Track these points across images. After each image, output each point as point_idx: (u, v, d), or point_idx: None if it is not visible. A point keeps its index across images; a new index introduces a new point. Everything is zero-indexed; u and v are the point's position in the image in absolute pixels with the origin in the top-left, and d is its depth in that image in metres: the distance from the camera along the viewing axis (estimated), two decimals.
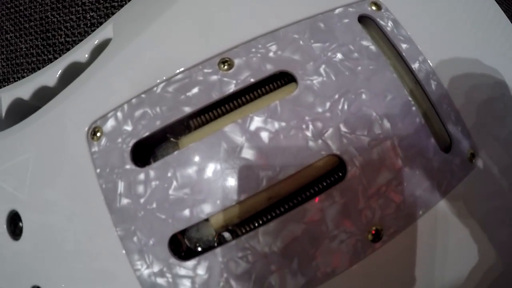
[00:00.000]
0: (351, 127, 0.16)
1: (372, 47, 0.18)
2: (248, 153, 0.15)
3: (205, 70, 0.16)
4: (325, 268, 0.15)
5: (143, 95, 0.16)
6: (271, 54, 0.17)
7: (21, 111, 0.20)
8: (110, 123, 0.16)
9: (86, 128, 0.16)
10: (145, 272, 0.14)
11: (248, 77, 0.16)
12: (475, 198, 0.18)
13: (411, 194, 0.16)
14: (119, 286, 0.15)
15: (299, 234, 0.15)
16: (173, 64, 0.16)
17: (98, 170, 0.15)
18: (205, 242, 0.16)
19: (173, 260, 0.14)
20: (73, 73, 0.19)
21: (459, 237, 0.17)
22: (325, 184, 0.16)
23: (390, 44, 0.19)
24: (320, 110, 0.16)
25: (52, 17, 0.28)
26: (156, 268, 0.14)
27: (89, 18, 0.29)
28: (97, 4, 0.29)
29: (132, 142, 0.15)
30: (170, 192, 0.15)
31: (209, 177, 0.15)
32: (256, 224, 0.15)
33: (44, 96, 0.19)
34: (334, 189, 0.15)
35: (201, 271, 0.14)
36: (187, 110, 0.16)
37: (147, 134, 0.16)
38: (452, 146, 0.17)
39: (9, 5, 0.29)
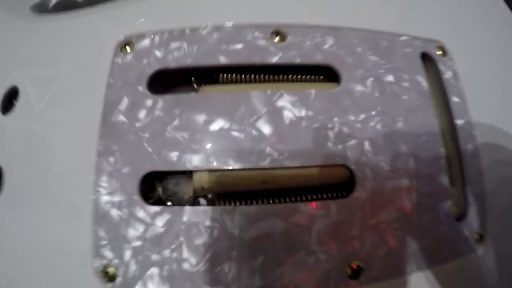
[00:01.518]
0: (376, 148, 0.13)
1: (425, 85, 0.15)
2: (263, 125, 0.12)
3: (256, 33, 0.14)
4: (288, 281, 0.11)
5: (187, 30, 0.14)
6: (326, 46, 0.14)
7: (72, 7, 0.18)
8: (144, 43, 0.14)
9: (121, 38, 0.14)
10: (104, 198, 0.12)
11: (295, 57, 0.13)
12: (466, 282, 0.14)
13: (407, 246, 0.13)
14: (72, 202, 0.12)
15: (278, 231, 0.11)
16: (229, 15, 0.14)
17: (111, 80, 0.13)
18: (179, 199, 0.13)
19: (137, 197, 0.11)
20: None
21: None
22: (326, 196, 0.13)
23: (442, 91, 0.16)
24: (352, 117, 0.13)
25: None
26: (116, 198, 0.11)
27: None
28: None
29: (156, 67, 0.13)
30: (169, 129, 0.12)
31: (213, 130, 0.12)
32: (238, 202, 0.12)
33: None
34: (334, 202, 0.12)
35: (159, 222, 0.11)
36: (222, 60, 0.13)
37: (173, 66, 0.13)
38: (464, 219, 0.14)
39: None
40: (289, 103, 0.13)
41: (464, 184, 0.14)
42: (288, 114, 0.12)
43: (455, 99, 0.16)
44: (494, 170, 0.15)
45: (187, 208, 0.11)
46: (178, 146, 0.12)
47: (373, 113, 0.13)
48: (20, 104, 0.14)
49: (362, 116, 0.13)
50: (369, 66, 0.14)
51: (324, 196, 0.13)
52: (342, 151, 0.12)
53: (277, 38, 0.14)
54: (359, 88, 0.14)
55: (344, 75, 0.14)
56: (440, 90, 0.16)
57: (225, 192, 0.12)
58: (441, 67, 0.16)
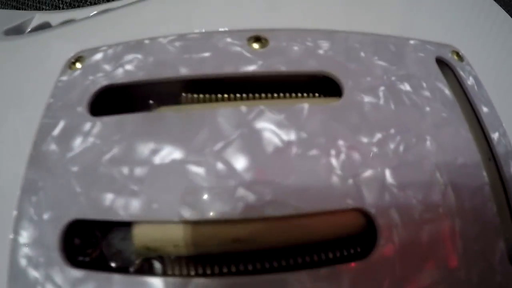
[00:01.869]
0: (403, 179, 0.09)
1: (448, 93, 0.11)
2: (233, 156, 0.08)
3: (229, 39, 0.11)
4: None
5: (146, 41, 0.11)
6: (320, 51, 0.11)
7: None
8: (96, 57, 0.11)
9: (72, 54, 0.11)
10: (21, 250, 0.08)
11: (279, 64, 0.10)
12: None
13: None
14: None
15: None
16: (195, 23, 0.11)
17: (51, 100, 0.10)
18: (125, 260, 0.09)
19: (57, 255, 0.08)
20: None
21: None
22: (334, 256, 0.08)
23: (468, 101, 0.12)
24: (364, 139, 0.09)
25: None
26: (34, 253, 0.08)
27: None
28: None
29: (101, 84, 0.10)
30: (104, 161, 0.08)
31: (161, 164, 0.08)
32: (194, 272, 0.08)
33: None
34: (344, 267, 0.08)
35: None
36: (183, 72, 0.10)
37: (122, 81, 0.10)
38: None
39: None
40: (272, 123, 0.09)
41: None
42: (271, 138, 0.08)
43: (484, 109, 0.12)
44: None
45: (118, 277, 0.07)
46: (113, 185, 0.08)
47: (392, 131, 0.09)
48: None
49: (378, 135, 0.09)
50: (378, 73, 0.11)
51: (331, 256, 0.08)
52: (354, 188, 0.08)
53: (256, 45, 0.11)
54: (368, 99, 0.10)
55: (347, 85, 0.10)
56: (465, 99, 0.12)
57: (182, 254, 0.08)
58: (462, 74, 0.13)
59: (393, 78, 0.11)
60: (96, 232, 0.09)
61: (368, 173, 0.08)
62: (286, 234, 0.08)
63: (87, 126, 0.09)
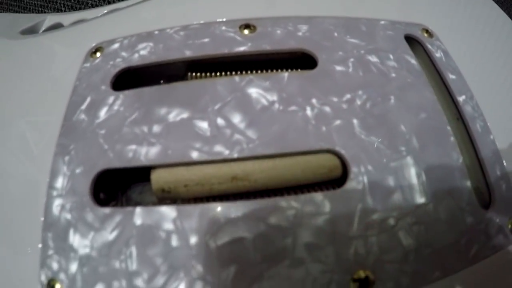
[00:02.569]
0: (369, 128, 0.11)
1: (415, 63, 0.13)
2: (229, 112, 0.10)
3: (224, 27, 0.13)
4: None
5: (156, 32, 0.13)
6: (299, 33, 0.13)
7: None
8: (113, 47, 0.13)
9: (93, 45, 0.13)
10: (56, 201, 0.10)
11: (265, 44, 0.12)
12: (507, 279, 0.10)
13: (428, 245, 0.10)
14: (24, 205, 0.10)
15: (253, 236, 0.09)
16: (196, 15, 0.14)
17: (77, 83, 0.12)
18: None
19: (87, 198, 0.10)
20: None
21: None
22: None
23: (436, 71, 0.14)
24: (335, 98, 0.11)
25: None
26: (67, 200, 0.10)
27: None
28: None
29: (121, 67, 0.12)
30: (127, 123, 0.11)
31: (173, 121, 0.10)
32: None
33: None
34: (324, 194, 0.10)
35: (109, 226, 0.09)
36: (188, 54, 0.12)
37: (138, 64, 0.12)
38: (492, 205, 0.11)
39: None
40: (259, 88, 0.11)
41: (481, 165, 0.12)
42: (258, 99, 0.11)
43: (450, 76, 0.14)
44: (510, 145, 0.12)
45: (140, 209, 0.09)
46: (135, 140, 0.10)
47: (360, 92, 0.12)
48: None
49: (347, 96, 0.11)
50: (349, 48, 0.13)
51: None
52: (327, 133, 0.10)
53: (246, 31, 0.13)
54: (339, 68, 0.12)
55: (321, 58, 0.12)
56: (433, 69, 0.14)
57: (191, 195, 0.10)
58: (429, 47, 0.15)
59: (362, 52, 0.13)
60: (118, 192, 0.11)
61: (338, 122, 0.10)
62: (274, 170, 0.10)
63: (111, 98, 0.11)
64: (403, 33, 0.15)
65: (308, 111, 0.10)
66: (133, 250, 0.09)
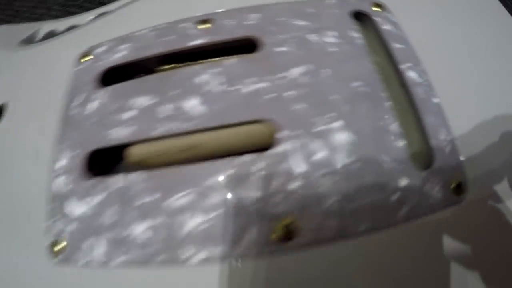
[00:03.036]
0: (300, 99, 0.13)
1: (357, 36, 0.15)
2: (186, 96, 0.13)
3: (185, 24, 0.16)
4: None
5: (133, 34, 0.16)
6: (250, 22, 0.15)
7: None
8: (99, 50, 0.16)
9: (83, 50, 0.16)
10: (57, 179, 0.13)
11: (219, 36, 0.15)
12: (446, 242, 0.12)
13: (352, 199, 0.11)
14: (30, 185, 0.13)
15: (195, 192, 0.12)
16: (164, 16, 0.16)
17: (71, 83, 0.16)
18: None
19: (80, 174, 0.13)
20: None
21: None
22: None
23: (381, 40, 0.15)
24: (271, 76, 0.13)
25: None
26: (65, 178, 0.13)
27: None
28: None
29: (105, 67, 0.15)
30: (108, 112, 0.14)
31: (143, 107, 0.13)
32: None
33: None
34: (255, 156, 0.12)
35: (96, 192, 0.12)
36: (156, 50, 0.15)
37: (119, 63, 0.15)
38: (432, 167, 0.12)
39: None
40: (209, 74, 0.13)
41: (422, 128, 0.13)
42: (208, 82, 0.13)
43: (397, 45, 0.15)
44: (459, 110, 0.14)
45: (119, 176, 0.12)
46: (114, 125, 0.13)
47: (296, 69, 0.14)
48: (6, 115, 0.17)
49: (284, 73, 0.13)
50: (293, 30, 0.15)
51: None
52: (261, 106, 0.12)
53: (204, 25, 0.15)
54: (280, 49, 0.14)
55: (265, 41, 0.14)
56: (380, 44, 0.16)
57: (160, 164, 0.13)
58: (377, 20, 0.16)
59: (305, 32, 0.15)
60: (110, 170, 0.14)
61: (271, 95, 0.13)
62: (220, 139, 0.12)
63: (97, 94, 0.15)
64: (350, 9, 0.16)
65: (248, 88, 0.13)
66: (116, 207, 0.12)
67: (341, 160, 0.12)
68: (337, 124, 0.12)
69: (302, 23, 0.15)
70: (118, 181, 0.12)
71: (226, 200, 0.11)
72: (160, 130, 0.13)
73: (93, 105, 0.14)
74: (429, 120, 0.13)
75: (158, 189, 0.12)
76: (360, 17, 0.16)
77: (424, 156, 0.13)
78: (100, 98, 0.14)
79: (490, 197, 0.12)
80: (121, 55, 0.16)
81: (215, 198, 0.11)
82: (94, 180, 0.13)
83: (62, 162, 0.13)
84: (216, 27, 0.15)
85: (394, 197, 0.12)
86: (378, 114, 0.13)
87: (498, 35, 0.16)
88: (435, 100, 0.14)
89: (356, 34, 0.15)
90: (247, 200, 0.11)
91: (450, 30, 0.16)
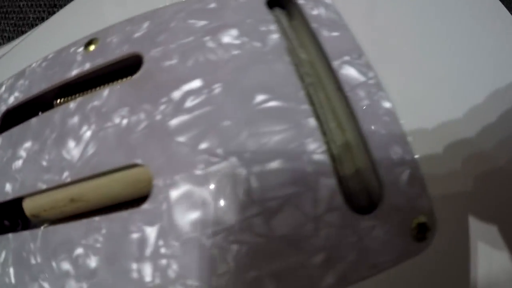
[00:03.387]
0: (182, 132, 0.10)
1: (273, 34, 0.11)
2: (61, 141, 0.11)
3: (72, 49, 0.13)
4: None
5: (26, 69, 0.15)
6: (136, 34, 0.12)
7: None
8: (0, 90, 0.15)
9: None
10: None
11: (101, 59, 0.12)
12: None
13: (251, 268, 0.08)
14: None
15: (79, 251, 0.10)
16: (53, 45, 0.14)
17: None
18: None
19: None
20: None
21: None
22: None
23: (308, 30, 0.12)
24: (148, 105, 0.10)
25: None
26: None
27: None
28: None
29: (2, 109, 0.14)
30: (4, 162, 0.12)
31: (28, 156, 0.12)
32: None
33: None
34: (129, 212, 0.09)
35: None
36: (44, 86, 0.13)
37: (14, 105, 0.14)
38: (381, 204, 0.09)
39: None
40: (83, 113, 0.11)
41: (365, 149, 0.09)
42: (83, 122, 0.11)
43: (332, 34, 0.11)
44: (423, 117, 0.10)
45: (11, 235, 0.11)
46: (6, 177, 0.12)
47: (184, 87, 0.11)
48: None
49: (166, 97, 0.11)
50: (187, 35, 0.12)
51: None
52: (134, 146, 0.10)
53: (91, 47, 0.13)
54: (167, 64, 0.11)
55: (149, 57, 0.12)
56: (307, 30, 0.12)
57: (56, 217, 0.12)
58: (303, 2, 0.12)
59: (201, 35, 0.12)
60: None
61: (145, 131, 0.10)
62: (102, 191, 0.11)
63: None
64: None
65: (121, 125, 0.10)
66: (11, 270, 0.11)
67: (233, 217, 0.09)
68: (231, 162, 0.09)
69: (198, 24, 0.12)
70: (11, 239, 0.11)
71: (103, 264, 0.10)
72: (42, 182, 0.11)
73: None
74: (375, 137, 0.09)
75: (45, 250, 0.11)
76: (286, 3, 0.13)
77: (367, 193, 0.09)
78: None
79: (464, 236, 0.09)
80: (15, 96, 0.14)
81: (93, 263, 0.10)
82: None
83: None
84: (101, 47, 0.13)
85: (318, 259, 0.08)
86: (295, 138, 0.09)
87: (477, 21, 0.11)
88: (386, 104, 0.10)
89: (270, 26, 0.11)
90: (121, 267, 0.09)
91: (407, 7, 0.12)
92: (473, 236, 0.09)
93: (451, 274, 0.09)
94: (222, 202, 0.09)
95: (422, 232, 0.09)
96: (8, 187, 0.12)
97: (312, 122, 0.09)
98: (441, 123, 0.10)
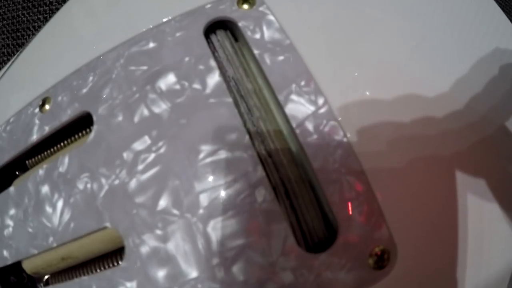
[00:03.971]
0: (136, 194, 0.10)
1: (213, 72, 0.11)
2: (38, 208, 0.12)
3: (29, 111, 0.14)
4: None
5: None
6: (84, 90, 0.12)
7: None
8: None
9: None
10: None
11: (55, 121, 0.13)
12: None
13: None
14: None
15: None
16: (12, 108, 0.14)
17: None
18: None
19: None
20: None
21: None
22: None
23: (253, 59, 0.11)
24: (104, 168, 0.11)
25: (22, 17, 0.27)
26: None
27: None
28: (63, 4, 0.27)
29: None
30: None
31: (15, 223, 0.13)
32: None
33: None
34: (111, 271, 0.10)
35: None
36: (16, 152, 0.14)
37: None
38: (337, 240, 0.09)
39: None
40: (54, 177, 0.12)
41: (319, 185, 0.09)
42: (52, 189, 0.12)
43: (278, 58, 0.11)
44: (377, 145, 0.09)
45: None
46: (4, 245, 0.13)
47: (133, 147, 0.11)
48: None
49: (117, 161, 0.11)
50: (128, 85, 0.12)
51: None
52: (99, 211, 0.11)
53: (46, 107, 0.13)
54: (115, 121, 0.11)
55: (97, 116, 0.12)
56: (250, 55, 0.11)
57: (53, 273, 0.13)
58: (244, 24, 0.11)
59: (144, 83, 0.11)
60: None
61: (107, 195, 0.11)
62: (83, 246, 0.12)
63: None
64: (204, 21, 0.12)
65: (86, 191, 0.11)
66: None
67: (194, 269, 0.09)
68: (184, 220, 0.09)
69: (139, 70, 0.12)
70: None
71: None
72: (33, 248, 0.12)
73: None
74: (327, 174, 0.09)
75: None
76: (228, 24, 0.12)
77: (324, 228, 0.09)
78: None
79: (425, 259, 0.09)
80: None
81: None
82: None
83: None
84: (54, 107, 0.13)
85: None
86: (244, 189, 0.09)
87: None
88: (338, 136, 0.09)
89: (211, 63, 0.11)
90: None
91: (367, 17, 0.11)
92: (435, 259, 0.09)
93: None
94: (184, 256, 0.09)
95: (381, 261, 0.09)
96: (5, 253, 0.13)
97: (259, 170, 0.09)
98: (396, 153, 0.10)
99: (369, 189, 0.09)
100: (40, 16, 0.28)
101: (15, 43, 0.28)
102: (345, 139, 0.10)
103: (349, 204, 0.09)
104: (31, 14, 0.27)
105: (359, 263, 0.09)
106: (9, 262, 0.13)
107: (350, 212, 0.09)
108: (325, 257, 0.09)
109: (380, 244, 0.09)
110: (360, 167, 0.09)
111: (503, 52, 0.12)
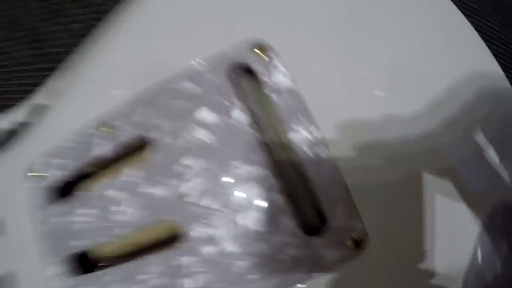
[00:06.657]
0: (187, 194, 0.15)
1: (238, 107, 0.15)
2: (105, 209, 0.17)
3: (91, 131, 0.17)
4: None
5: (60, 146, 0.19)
6: (136, 118, 0.16)
7: None
8: (42, 165, 0.18)
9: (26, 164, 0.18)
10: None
11: (114, 142, 0.17)
12: None
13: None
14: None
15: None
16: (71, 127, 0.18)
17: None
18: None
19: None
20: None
21: None
22: None
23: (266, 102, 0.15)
24: (161, 178, 0.15)
25: (40, 28, 0.29)
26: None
27: (74, 28, 0.28)
28: (80, 16, 0.29)
29: (51, 182, 0.18)
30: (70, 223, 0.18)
31: (89, 217, 0.17)
32: None
33: None
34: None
35: None
36: (80, 164, 0.18)
37: (57, 181, 0.18)
38: (325, 228, 0.14)
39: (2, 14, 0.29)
40: (117, 186, 0.17)
41: (305, 185, 0.14)
42: (118, 194, 0.17)
43: (282, 102, 0.14)
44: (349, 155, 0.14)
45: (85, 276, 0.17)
46: (77, 235, 0.18)
47: (180, 162, 0.15)
48: None
49: (170, 172, 0.15)
50: (173, 117, 0.16)
51: None
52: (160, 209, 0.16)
53: (105, 128, 0.18)
54: (164, 143, 0.16)
55: (151, 139, 0.16)
56: (263, 101, 0.15)
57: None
58: (259, 70, 0.15)
59: (184, 115, 0.16)
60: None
61: (164, 197, 0.15)
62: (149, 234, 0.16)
63: (66, 208, 0.19)
64: (227, 63, 0.15)
65: (146, 193, 0.16)
66: None
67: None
68: (226, 212, 0.14)
69: (181, 103, 0.16)
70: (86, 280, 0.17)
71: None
72: (108, 236, 0.17)
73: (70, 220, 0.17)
74: (319, 182, 0.14)
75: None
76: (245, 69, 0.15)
77: (317, 219, 0.14)
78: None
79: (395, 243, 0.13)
80: (59, 172, 0.18)
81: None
82: (78, 280, 0.18)
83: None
84: (112, 129, 0.17)
85: (288, 263, 0.13)
86: (266, 195, 0.14)
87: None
88: (326, 155, 0.13)
89: (234, 102, 0.15)
90: None
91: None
92: (403, 239, 0.13)
93: (388, 273, 0.13)
94: (223, 237, 0.15)
95: (357, 244, 0.13)
96: (78, 242, 0.17)
97: (271, 177, 0.14)
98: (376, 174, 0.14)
99: (348, 193, 0.14)
100: (57, 27, 0.29)
101: (35, 53, 0.28)
102: (331, 157, 0.14)
103: (334, 203, 0.14)
104: (48, 25, 0.28)
105: (341, 244, 0.14)
106: (87, 249, 0.17)
107: (335, 209, 0.14)
108: (317, 239, 0.14)
109: (355, 231, 0.14)
110: (342, 178, 0.14)
111: (478, 76, 0.13)
